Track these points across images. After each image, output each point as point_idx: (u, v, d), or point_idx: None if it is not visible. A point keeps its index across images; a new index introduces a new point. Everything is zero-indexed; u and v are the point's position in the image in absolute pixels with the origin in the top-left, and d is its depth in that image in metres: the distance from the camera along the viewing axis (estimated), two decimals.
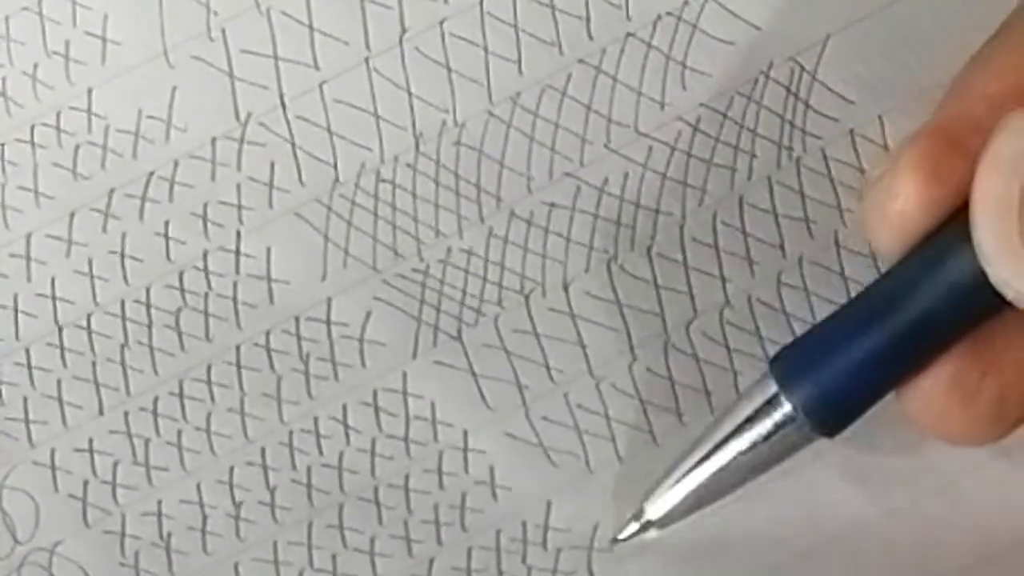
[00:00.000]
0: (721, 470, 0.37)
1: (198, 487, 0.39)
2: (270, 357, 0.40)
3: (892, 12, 0.39)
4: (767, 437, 0.36)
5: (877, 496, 0.38)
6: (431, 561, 0.39)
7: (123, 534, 0.39)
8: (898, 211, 0.35)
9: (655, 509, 0.37)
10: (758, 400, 0.36)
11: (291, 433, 0.39)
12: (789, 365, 0.36)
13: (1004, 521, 0.38)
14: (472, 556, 0.39)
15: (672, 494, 0.37)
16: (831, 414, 0.36)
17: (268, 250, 0.40)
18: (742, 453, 0.36)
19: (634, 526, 0.38)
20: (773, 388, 0.36)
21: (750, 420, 0.36)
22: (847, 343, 0.35)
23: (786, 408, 0.36)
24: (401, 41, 0.40)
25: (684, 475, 0.37)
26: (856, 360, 0.35)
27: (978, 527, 0.38)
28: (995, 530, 0.38)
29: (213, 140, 0.40)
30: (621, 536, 0.38)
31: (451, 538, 0.39)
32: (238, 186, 0.40)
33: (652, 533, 0.38)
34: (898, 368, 0.35)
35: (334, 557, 0.39)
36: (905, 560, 0.38)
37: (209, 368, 0.40)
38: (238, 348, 0.40)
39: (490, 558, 0.39)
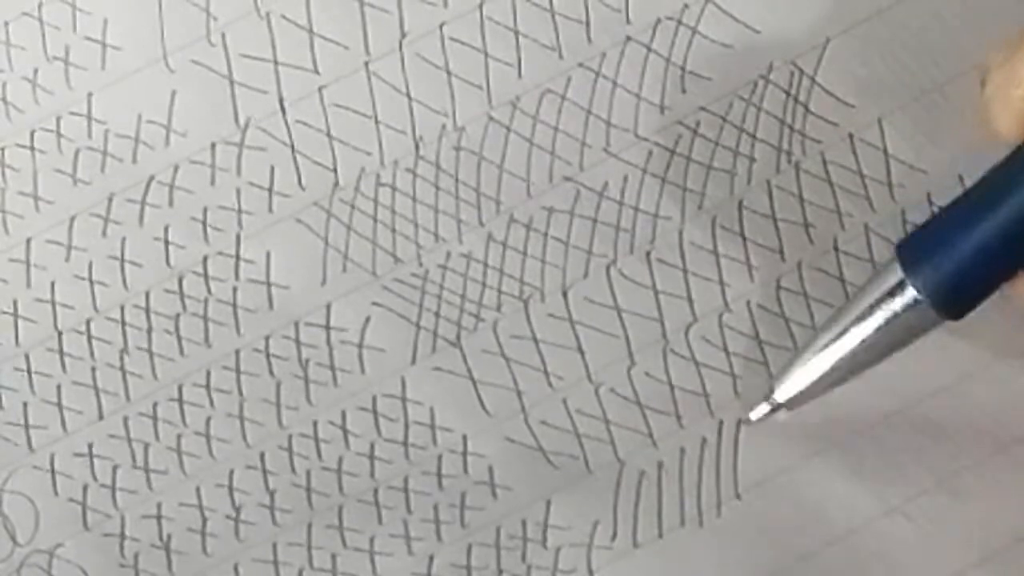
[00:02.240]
0: (848, 354, 0.37)
1: (197, 490, 0.39)
2: (269, 362, 0.40)
3: (891, 15, 0.39)
4: (892, 321, 0.36)
5: (877, 496, 0.38)
6: (431, 558, 0.39)
7: (123, 536, 0.40)
8: (1021, 95, 0.35)
9: (784, 391, 0.38)
10: (884, 285, 0.36)
11: (290, 438, 0.39)
12: (913, 251, 0.36)
13: (1004, 521, 0.38)
14: (472, 553, 0.39)
15: (800, 377, 0.37)
16: (955, 298, 0.36)
17: (268, 255, 0.40)
18: (868, 337, 0.36)
19: (765, 408, 0.38)
20: (898, 274, 0.36)
21: (876, 305, 0.36)
22: (970, 228, 0.35)
23: (911, 293, 0.36)
24: (401, 45, 0.40)
25: (812, 359, 0.37)
26: (979, 244, 0.35)
27: (978, 527, 0.38)
28: (995, 530, 0.38)
29: (213, 145, 0.40)
30: (753, 417, 0.38)
31: (451, 535, 0.39)
32: (238, 191, 0.40)
33: (781, 414, 0.38)
34: (1020, 251, 0.35)
35: (334, 557, 0.39)
36: (905, 560, 0.38)
37: (208, 373, 0.40)
38: (237, 353, 0.40)
39: (490, 555, 0.39)
